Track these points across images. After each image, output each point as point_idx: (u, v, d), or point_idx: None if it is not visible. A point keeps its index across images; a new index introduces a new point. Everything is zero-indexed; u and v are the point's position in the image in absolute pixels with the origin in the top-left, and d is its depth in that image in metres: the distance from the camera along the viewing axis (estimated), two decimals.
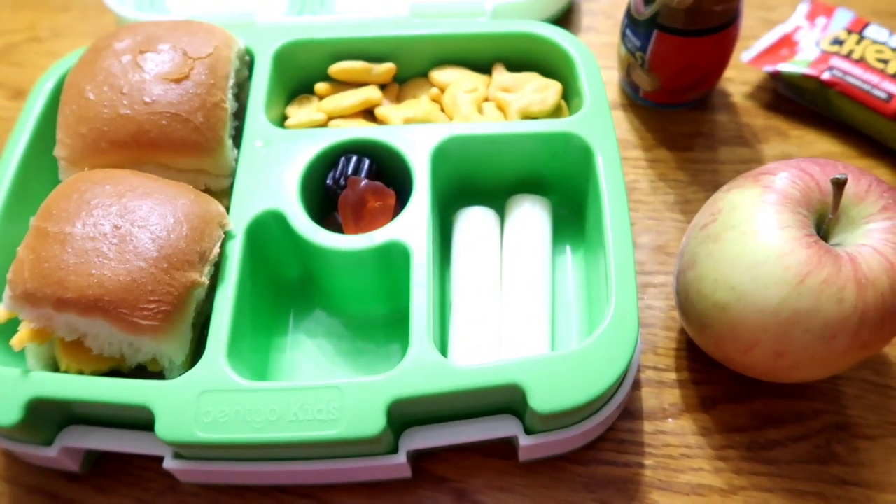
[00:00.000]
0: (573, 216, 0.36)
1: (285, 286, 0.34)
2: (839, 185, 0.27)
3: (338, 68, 0.37)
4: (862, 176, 0.28)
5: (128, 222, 0.28)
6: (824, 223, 0.28)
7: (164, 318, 0.27)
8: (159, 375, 0.29)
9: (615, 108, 0.42)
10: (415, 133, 0.33)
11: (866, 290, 0.26)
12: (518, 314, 0.31)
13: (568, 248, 0.35)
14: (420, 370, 0.27)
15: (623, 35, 0.39)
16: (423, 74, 0.38)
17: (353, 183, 0.32)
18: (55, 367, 0.30)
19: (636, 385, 0.33)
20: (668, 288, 0.35)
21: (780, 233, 0.27)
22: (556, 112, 0.36)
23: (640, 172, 0.39)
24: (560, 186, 0.35)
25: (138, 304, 0.27)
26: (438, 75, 0.37)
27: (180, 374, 0.28)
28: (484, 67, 0.38)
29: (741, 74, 0.42)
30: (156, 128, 0.30)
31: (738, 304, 0.27)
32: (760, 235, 0.27)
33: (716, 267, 0.28)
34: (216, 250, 0.29)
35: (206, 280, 0.28)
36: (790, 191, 0.27)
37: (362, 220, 0.31)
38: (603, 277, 0.30)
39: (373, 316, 0.34)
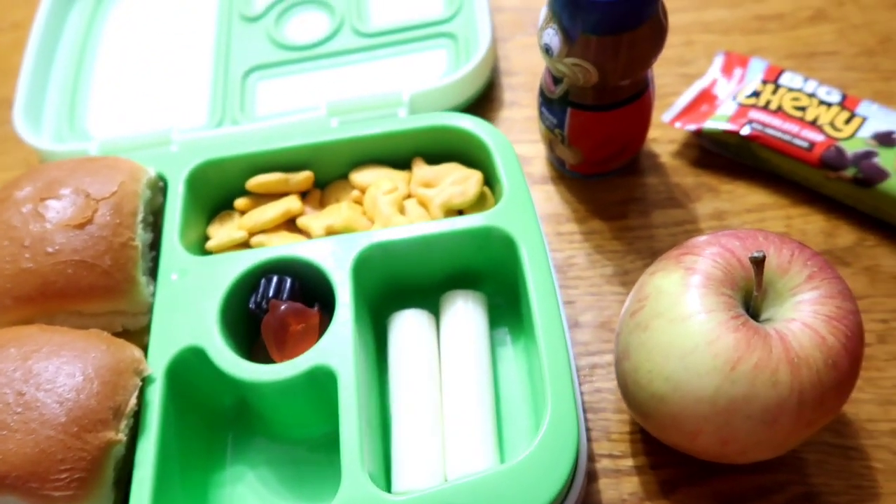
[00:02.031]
0: (509, 304, 0.35)
1: (219, 416, 0.33)
2: (758, 263, 0.26)
3: (255, 182, 0.36)
4: (783, 245, 0.27)
5: (33, 387, 0.26)
6: (752, 300, 0.27)
7: (79, 485, 0.26)
8: None
9: (545, 183, 0.41)
10: (334, 245, 0.32)
11: (800, 370, 0.25)
12: (461, 424, 0.30)
13: (508, 338, 0.34)
14: None
15: (540, 113, 0.38)
16: (344, 176, 0.38)
17: (274, 307, 0.31)
18: None
19: (593, 477, 0.32)
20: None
21: (706, 317, 0.26)
22: (479, 200, 0.35)
23: (577, 247, 0.39)
24: (491, 276, 0.34)
25: (49, 475, 0.25)
26: (358, 177, 0.37)
27: None
28: (404, 163, 0.37)
29: (666, 133, 0.42)
30: (62, 278, 0.29)
31: (675, 395, 0.26)
32: (687, 322, 0.26)
33: (649, 357, 0.27)
34: (132, 402, 0.28)
35: (122, 437, 0.27)
36: (712, 271, 0.27)
37: (285, 344, 0.30)
38: (541, 372, 0.29)
39: (314, 438, 0.32)
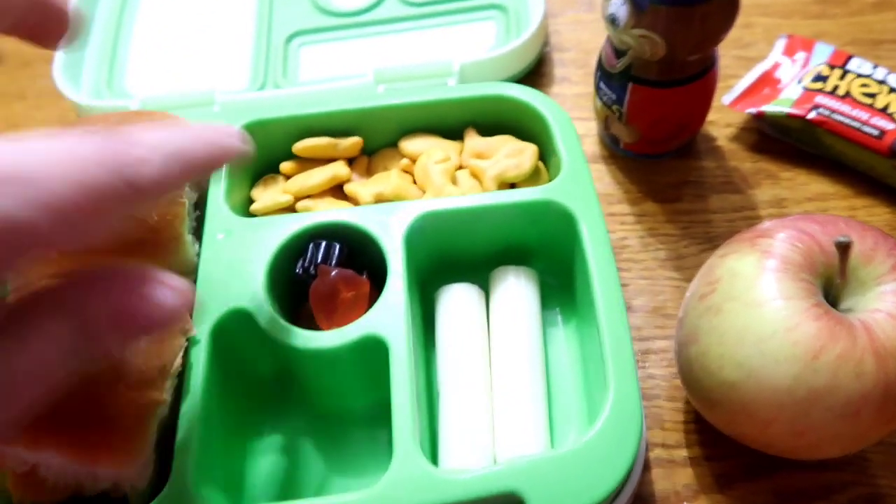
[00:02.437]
0: (561, 283, 0.33)
1: (258, 384, 0.32)
2: (844, 248, 0.25)
3: (302, 146, 0.35)
4: (866, 233, 0.26)
5: None
6: (832, 288, 0.26)
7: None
8: (123, 499, 0.27)
9: (596, 162, 0.40)
10: (386, 213, 0.31)
11: (887, 362, 0.23)
12: (511, 404, 0.29)
13: (559, 318, 0.33)
14: (407, 484, 0.24)
15: (597, 88, 0.37)
16: (393, 144, 0.36)
17: (324, 273, 0.29)
18: (7, 499, 0.27)
19: (645, 466, 0.30)
20: (668, 354, 0.33)
21: (784, 303, 0.24)
22: (533, 174, 0.34)
23: (628, 229, 0.37)
24: (544, 254, 0.33)
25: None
26: (408, 145, 0.35)
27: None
28: (455, 133, 0.36)
29: (724, 117, 0.40)
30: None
31: (749, 382, 0.25)
32: (764, 307, 0.25)
33: (720, 341, 0.26)
34: (178, 362, 0.27)
35: (167, 397, 0.26)
36: (791, 255, 0.25)
37: (335, 312, 0.29)
38: (599, 354, 0.28)
39: (356, 409, 0.31)
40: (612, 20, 0.32)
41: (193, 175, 0.20)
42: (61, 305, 0.19)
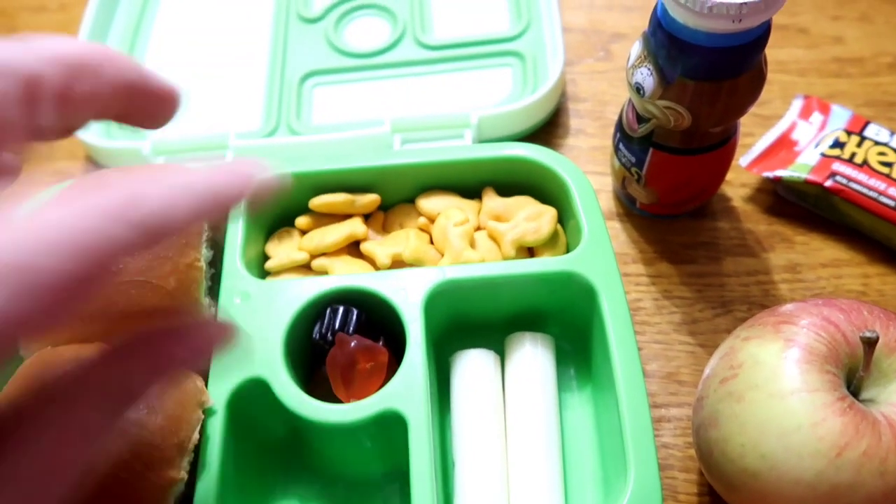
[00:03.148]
0: (577, 348, 0.33)
1: (272, 449, 0.31)
2: (871, 343, 0.25)
3: (319, 202, 0.35)
4: (890, 322, 0.26)
5: None
6: (854, 378, 0.26)
7: None
8: None
9: (611, 219, 0.40)
10: (405, 279, 0.31)
11: None
12: (527, 476, 0.29)
13: (574, 382, 0.33)
14: None
15: (616, 148, 0.37)
16: (410, 200, 0.36)
17: (342, 343, 0.29)
18: None
19: None
20: (683, 422, 0.33)
21: (808, 396, 0.24)
22: (551, 238, 0.34)
23: (643, 290, 0.37)
24: (561, 319, 0.33)
25: None
26: (425, 203, 0.35)
27: None
28: (473, 191, 0.36)
29: (739, 177, 0.40)
30: (124, 298, 0.28)
31: (771, 474, 0.25)
32: (788, 399, 0.25)
33: (742, 430, 0.26)
34: (195, 437, 0.26)
35: (185, 475, 0.26)
36: (815, 345, 0.25)
37: (353, 383, 0.29)
38: (616, 426, 0.28)
39: (370, 476, 0.31)
40: (637, 89, 0.32)
41: (208, 207, 0.18)
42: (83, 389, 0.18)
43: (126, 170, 0.28)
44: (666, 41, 0.30)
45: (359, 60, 0.46)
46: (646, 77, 0.32)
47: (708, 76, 0.30)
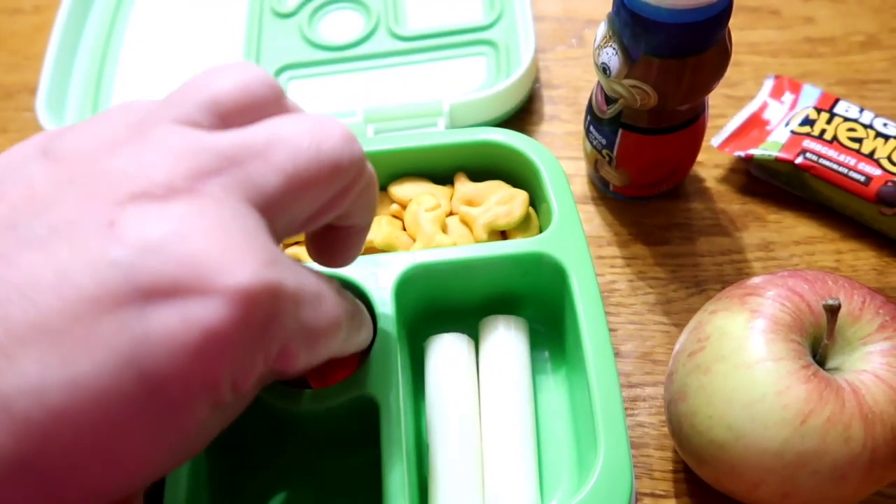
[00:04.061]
0: (551, 330, 0.33)
1: (245, 440, 0.31)
2: (833, 310, 0.25)
3: None
4: (854, 291, 0.26)
5: None
6: (819, 347, 0.26)
7: None
8: None
9: (586, 203, 0.40)
10: (376, 265, 0.31)
11: (874, 427, 0.24)
12: (501, 458, 0.29)
13: (549, 364, 0.33)
14: None
15: (587, 132, 0.37)
16: (382, 188, 0.36)
17: None
18: None
19: None
20: (657, 401, 0.33)
21: (773, 365, 0.25)
22: (524, 221, 0.34)
23: (618, 272, 0.37)
24: (534, 302, 0.33)
25: None
26: (397, 190, 0.35)
27: None
28: (445, 177, 0.36)
29: (712, 158, 0.41)
30: None
31: (737, 444, 0.25)
32: (754, 369, 0.25)
33: (710, 402, 0.26)
34: None
35: None
36: (780, 315, 0.26)
37: (323, 369, 0.29)
38: (588, 406, 0.28)
39: (343, 464, 0.31)
40: (603, 69, 0.33)
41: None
42: None
43: None
44: (629, 19, 0.30)
45: (333, 53, 0.46)
46: (611, 57, 0.32)
47: (672, 53, 0.30)
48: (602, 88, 0.35)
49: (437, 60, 0.45)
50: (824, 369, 0.25)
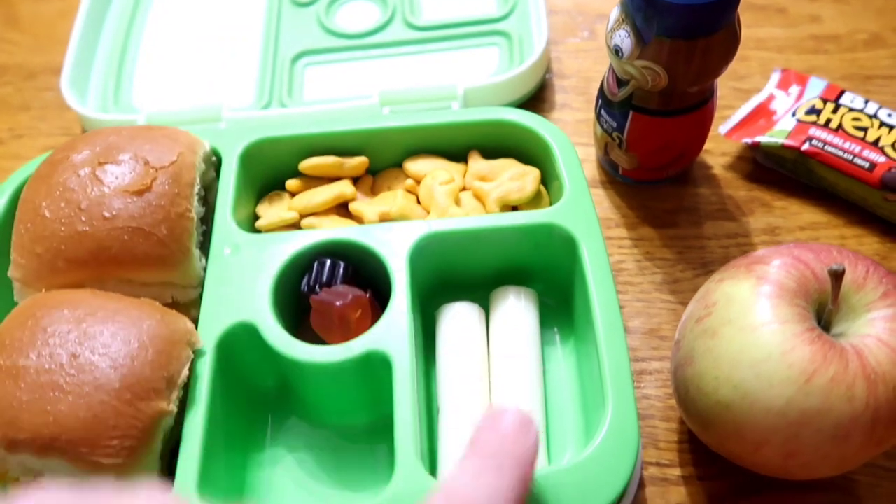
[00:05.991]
0: (560, 304, 0.34)
1: (261, 397, 0.32)
2: (837, 276, 0.25)
3: (308, 164, 0.36)
4: (858, 261, 0.27)
5: (87, 350, 0.26)
6: (824, 313, 0.26)
7: (128, 454, 0.25)
8: None
9: (595, 186, 0.41)
10: (391, 232, 0.32)
11: (877, 387, 0.24)
12: None
13: (557, 337, 0.34)
14: (408, 497, 0.25)
15: (598, 115, 0.38)
16: (397, 164, 0.37)
17: (328, 291, 0.30)
18: None
19: (640, 485, 0.31)
20: (663, 374, 0.34)
21: (779, 327, 0.25)
22: (535, 198, 0.35)
23: (626, 252, 0.38)
24: (544, 275, 0.34)
25: (100, 441, 0.25)
26: (412, 166, 0.36)
27: None
28: (458, 155, 0.37)
29: (719, 146, 0.41)
30: (117, 244, 0.29)
31: (743, 403, 0.26)
32: (759, 331, 0.25)
33: (716, 364, 0.26)
34: (185, 373, 0.27)
35: (174, 408, 0.26)
36: (786, 282, 0.26)
37: (339, 328, 0.30)
38: (596, 373, 0.29)
39: (356, 424, 0.32)
40: (615, 51, 0.34)
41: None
42: None
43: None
44: (642, 2, 0.31)
45: (349, 41, 0.47)
46: (623, 39, 0.33)
47: (683, 34, 0.31)
48: (614, 72, 0.36)
49: (451, 50, 0.46)
50: (830, 335, 0.26)
